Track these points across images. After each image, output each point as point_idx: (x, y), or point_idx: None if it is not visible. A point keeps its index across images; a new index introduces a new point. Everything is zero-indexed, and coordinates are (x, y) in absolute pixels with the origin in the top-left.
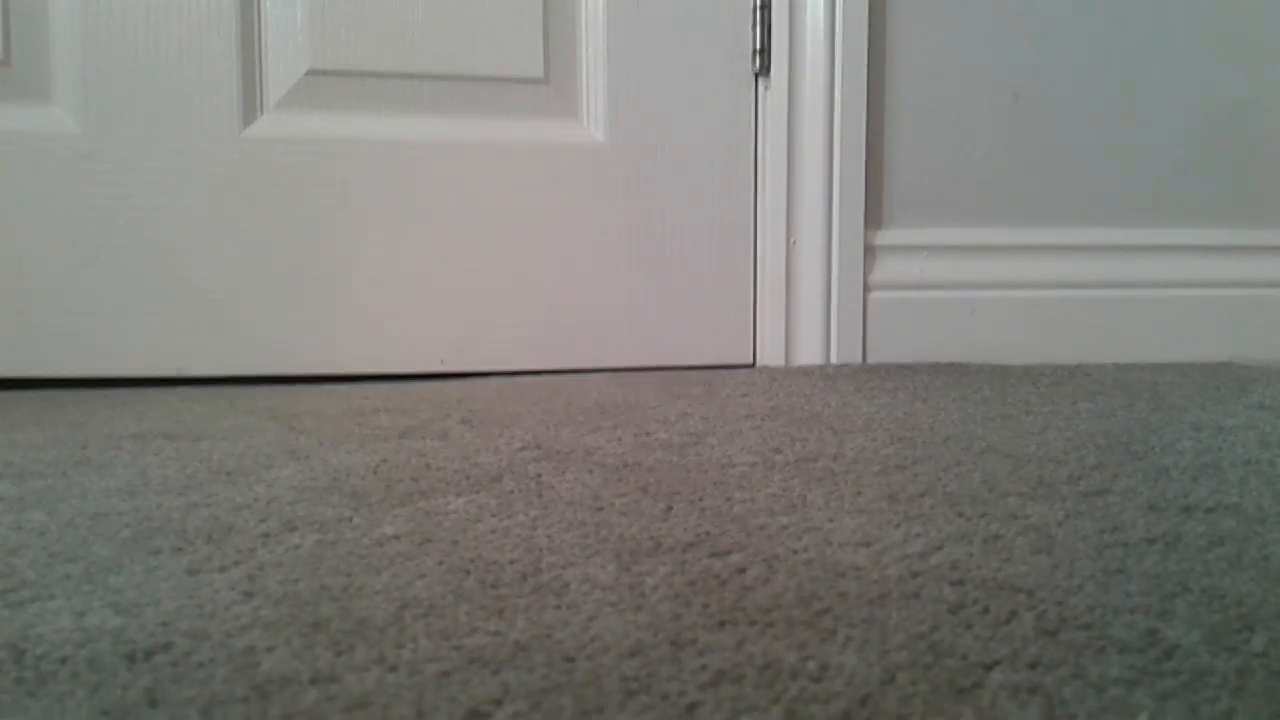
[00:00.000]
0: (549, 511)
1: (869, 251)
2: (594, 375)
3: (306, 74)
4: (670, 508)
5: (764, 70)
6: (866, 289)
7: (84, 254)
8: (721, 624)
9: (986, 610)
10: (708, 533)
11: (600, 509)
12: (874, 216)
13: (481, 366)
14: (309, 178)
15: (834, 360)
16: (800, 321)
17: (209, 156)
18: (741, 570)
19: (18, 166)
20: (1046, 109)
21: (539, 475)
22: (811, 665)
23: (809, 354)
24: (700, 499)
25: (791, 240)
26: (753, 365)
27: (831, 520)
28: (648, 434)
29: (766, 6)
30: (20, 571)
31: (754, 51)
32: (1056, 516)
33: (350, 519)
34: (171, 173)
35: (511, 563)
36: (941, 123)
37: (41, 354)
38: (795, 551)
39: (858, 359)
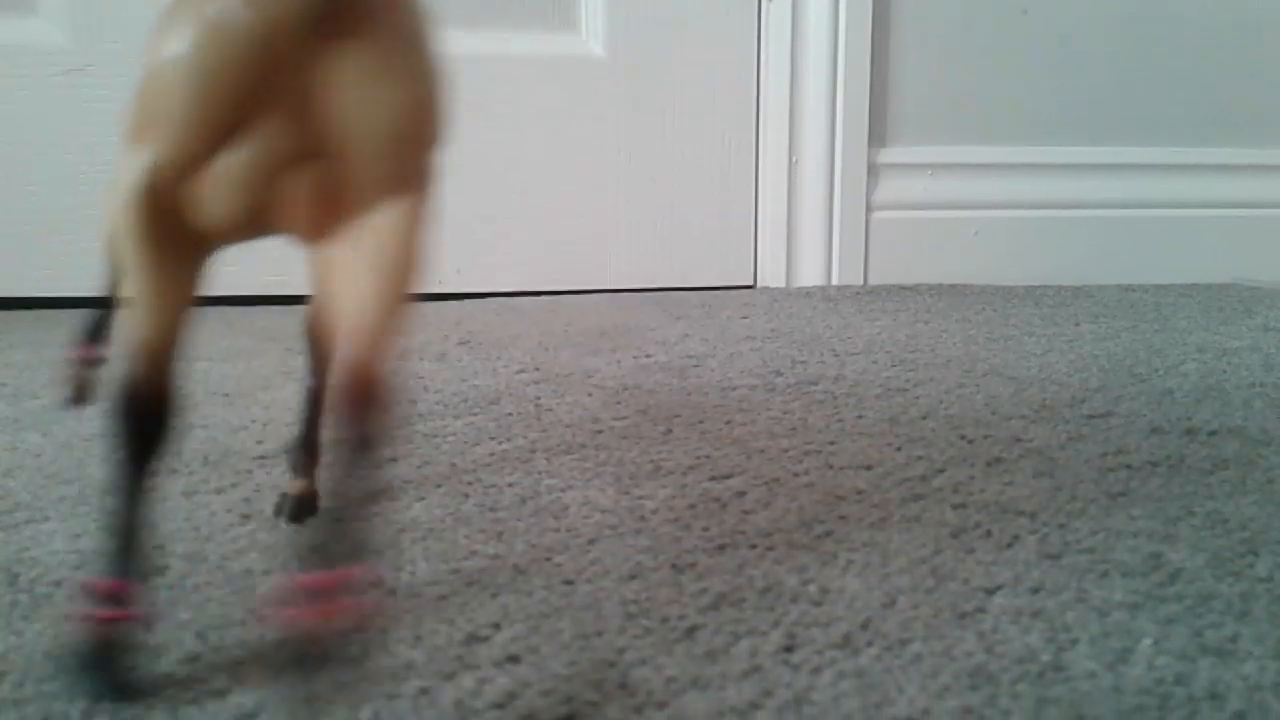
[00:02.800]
0: (548, 434)
1: (872, 170)
2: (593, 296)
3: None
4: (670, 430)
5: None
6: (869, 209)
7: (77, 170)
8: (722, 547)
9: (989, 534)
10: (708, 456)
11: (599, 432)
12: (877, 134)
13: (480, 287)
14: None
15: (835, 281)
16: (802, 242)
17: None
18: (741, 494)
19: (4, 82)
20: (1055, 24)
21: (537, 398)
22: (812, 589)
23: (810, 275)
24: (700, 422)
25: (794, 159)
26: (753, 286)
27: (833, 443)
28: (647, 356)
29: None
30: (15, 494)
31: None
32: (1059, 439)
33: None
34: None
35: (510, 486)
36: (948, 37)
37: (37, 273)
38: (796, 475)
39: (859, 280)
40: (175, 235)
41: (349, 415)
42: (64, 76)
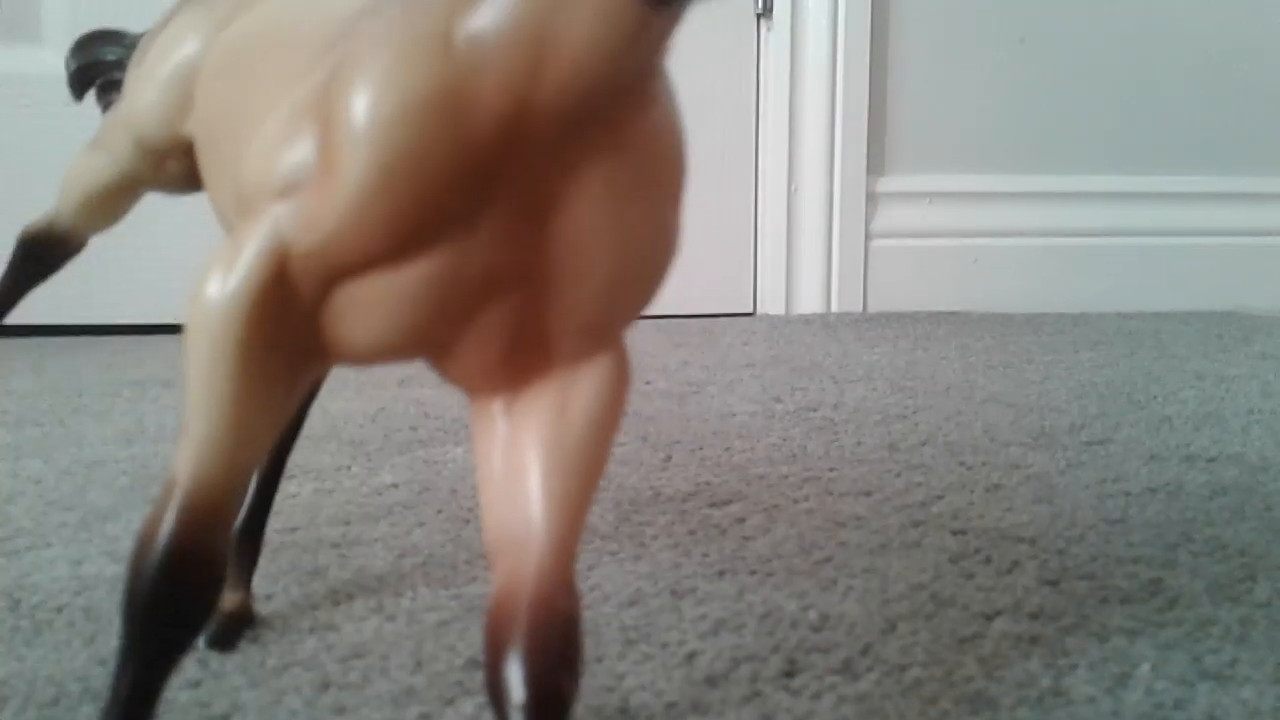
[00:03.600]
0: None
1: (871, 198)
2: None
3: None
4: (670, 457)
5: (766, 11)
6: (868, 237)
7: None
8: (721, 573)
9: (988, 560)
10: (707, 482)
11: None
12: (876, 163)
13: None
14: None
15: (835, 308)
16: (801, 269)
17: None
18: (741, 520)
19: (6, 107)
20: (1052, 53)
21: None
22: (812, 615)
23: (810, 302)
24: (700, 448)
25: (793, 187)
26: (753, 313)
27: (832, 470)
28: (648, 383)
29: None
30: (16, 520)
31: None
32: (1058, 466)
33: (348, 467)
34: None
35: None
36: (946, 66)
37: (39, 301)
38: (795, 501)
39: (859, 307)
40: (290, 349)
41: (533, 677)
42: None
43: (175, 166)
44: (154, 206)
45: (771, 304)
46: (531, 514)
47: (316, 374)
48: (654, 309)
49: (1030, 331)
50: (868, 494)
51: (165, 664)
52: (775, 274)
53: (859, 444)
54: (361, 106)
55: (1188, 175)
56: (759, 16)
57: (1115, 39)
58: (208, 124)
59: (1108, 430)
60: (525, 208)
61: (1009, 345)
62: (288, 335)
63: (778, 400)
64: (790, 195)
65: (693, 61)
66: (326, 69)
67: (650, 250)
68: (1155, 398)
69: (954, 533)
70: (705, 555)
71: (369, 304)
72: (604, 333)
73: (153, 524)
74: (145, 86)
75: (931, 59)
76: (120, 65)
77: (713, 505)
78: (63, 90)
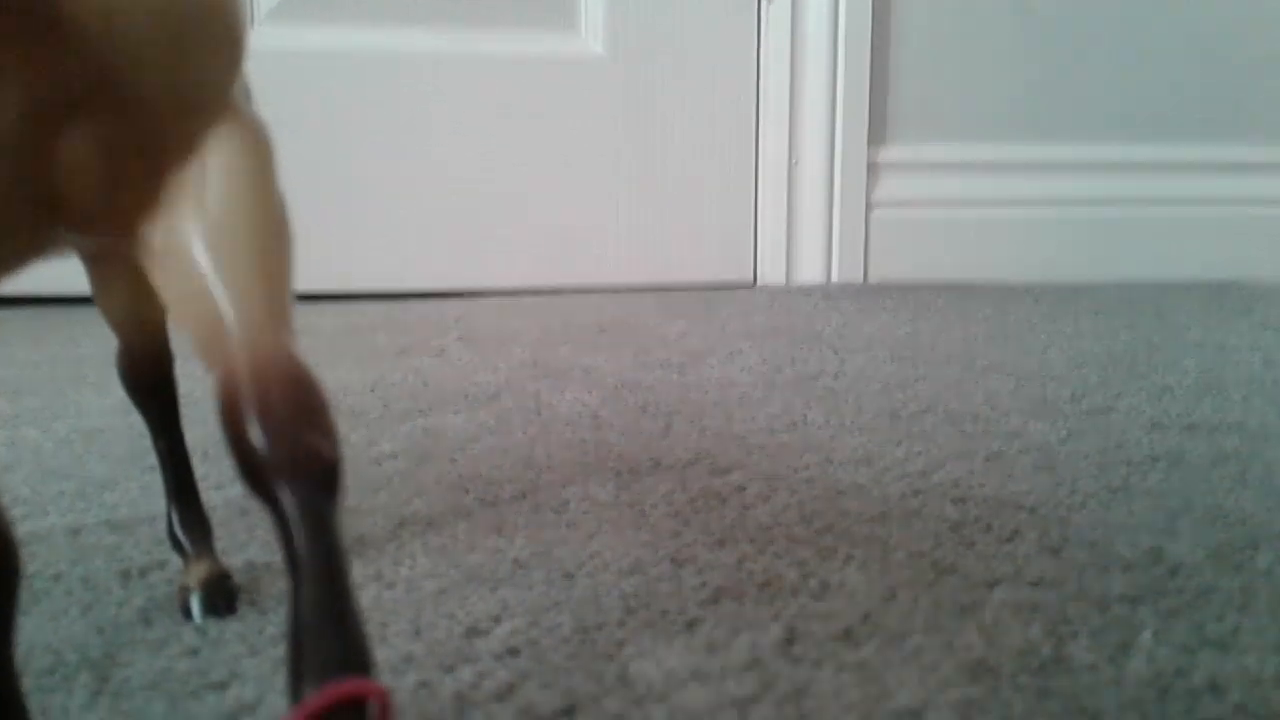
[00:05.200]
0: (548, 430)
1: (872, 169)
2: (593, 294)
3: None
4: (669, 426)
5: None
6: (869, 207)
7: None
8: (721, 542)
9: (989, 528)
10: (708, 451)
11: (599, 428)
12: (877, 132)
13: (481, 284)
14: (302, 92)
15: (835, 279)
16: (801, 240)
17: None
18: (741, 488)
19: None
20: (1053, 21)
21: (537, 393)
22: (813, 583)
23: (810, 272)
24: (700, 418)
25: (794, 158)
26: (753, 284)
27: (832, 439)
28: (647, 353)
29: None
30: (14, 489)
31: None
32: (1059, 435)
33: (348, 437)
34: None
35: (510, 481)
36: (947, 35)
37: (37, 271)
38: (796, 470)
39: (859, 278)
40: None
41: (274, 434)
42: None
43: None
44: None
45: (771, 275)
46: (217, 295)
47: None
48: (653, 278)
49: (1031, 301)
50: (868, 462)
51: None
52: (775, 245)
53: (859, 412)
54: None
55: (1190, 145)
56: None
57: (1117, 6)
58: None
59: (1109, 399)
60: (37, 21)
61: (1009, 315)
62: None
63: (778, 370)
64: (791, 166)
65: (694, 33)
66: None
67: (192, 13)
68: (1156, 367)
69: (954, 500)
70: (705, 524)
71: None
72: (200, 114)
73: None
74: None
75: (932, 28)
76: None
77: (713, 474)
78: None
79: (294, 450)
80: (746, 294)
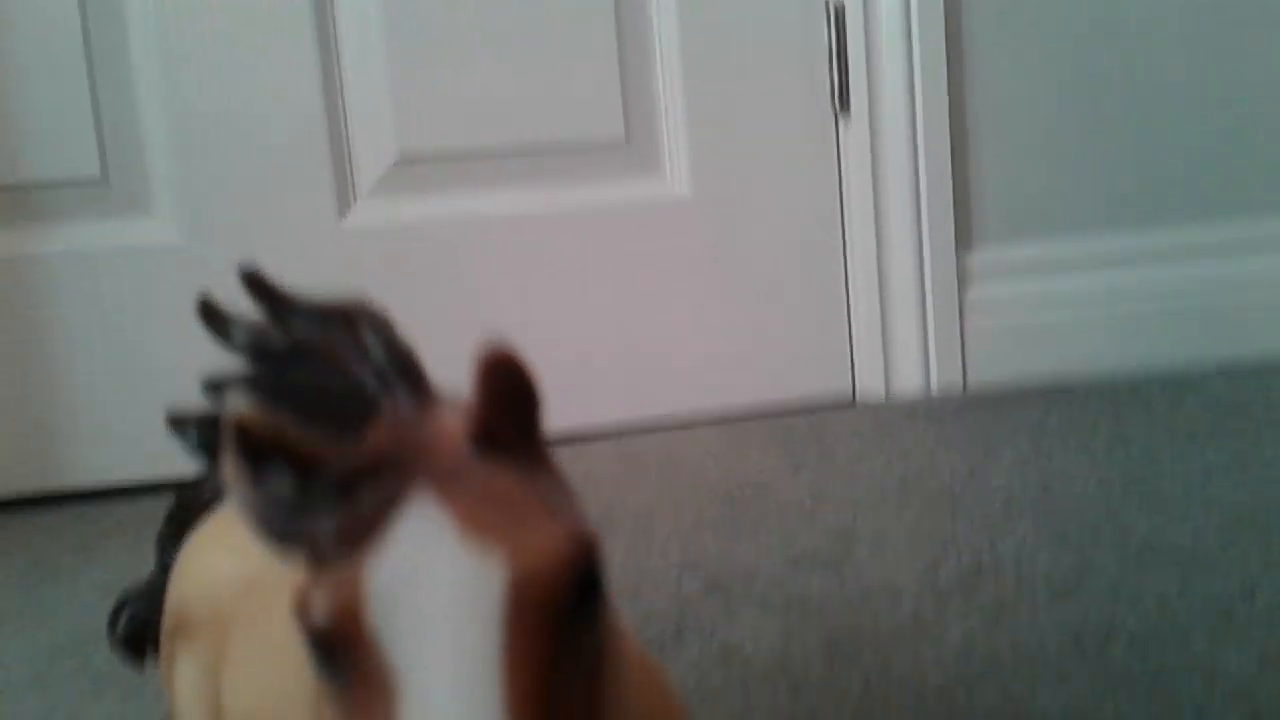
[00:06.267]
0: (750, 697)
1: (962, 273)
2: (702, 430)
3: (395, 162)
4: (868, 681)
5: (844, 107)
6: (962, 313)
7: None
8: None
9: None
10: None
11: (798, 687)
12: (964, 237)
13: (586, 426)
14: (404, 261)
15: (934, 388)
16: (897, 352)
17: (309, 251)
18: None
19: (119, 279)
20: (1129, 105)
21: (714, 627)
22: None
23: (908, 384)
24: (890, 661)
25: (882, 269)
26: (853, 401)
27: (1033, 693)
28: (792, 540)
29: (843, 44)
30: None
31: (832, 89)
32: (1251, 665)
33: None
34: (274, 269)
35: None
36: (1027, 131)
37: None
38: None
39: (958, 384)
40: None
41: None
42: (180, 272)
43: None
44: None
45: (870, 389)
46: None
47: None
48: (756, 402)
49: (1142, 411)
50: None
51: None
52: (872, 359)
53: (1041, 641)
54: None
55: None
56: (836, 113)
57: (1189, 86)
58: None
59: (1278, 593)
60: None
61: (1130, 443)
62: None
63: (936, 567)
64: (881, 279)
65: (775, 161)
66: None
67: None
68: None
69: None
70: None
71: None
72: None
73: None
74: None
75: (1011, 127)
76: (152, 607)
77: None
78: (171, 260)
79: None
80: (851, 419)
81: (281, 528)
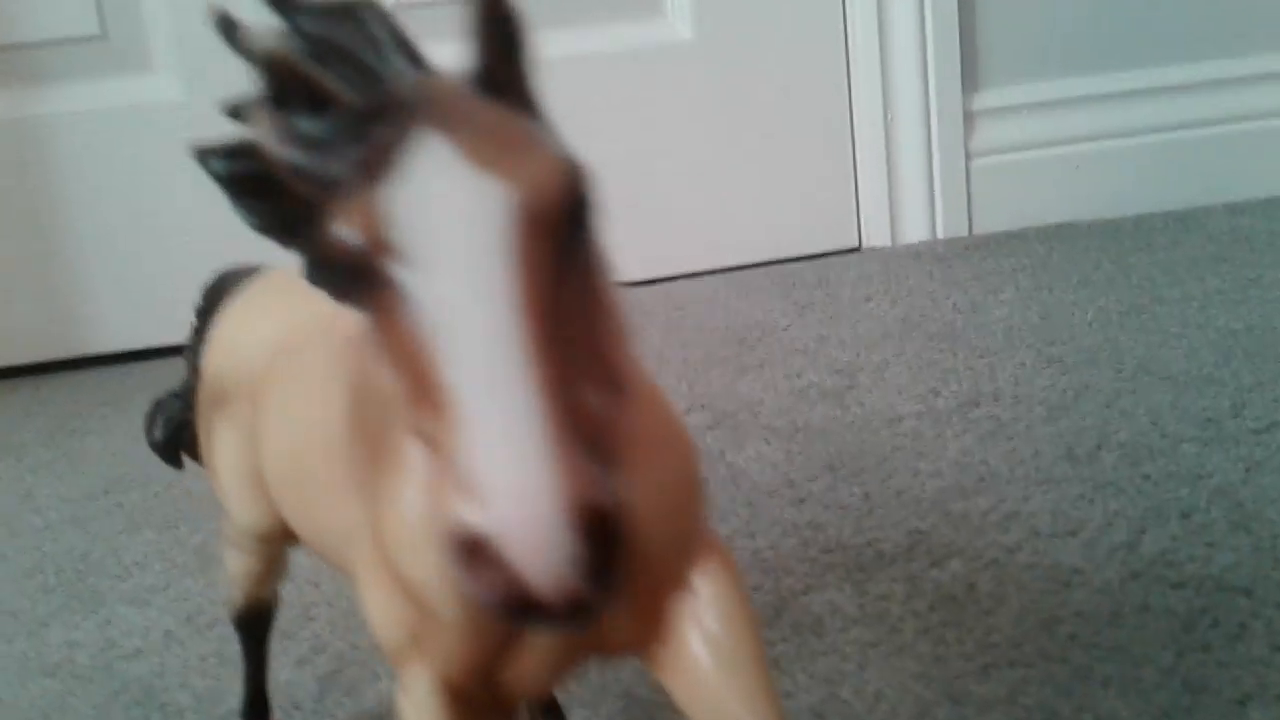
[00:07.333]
0: (756, 510)
1: (968, 117)
2: (706, 280)
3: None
4: (867, 495)
5: None
6: (968, 156)
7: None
8: (985, 668)
9: (1216, 623)
10: (919, 531)
11: (802, 500)
12: (970, 79)
13: None
14: None
15: (940, 234)
16: (903, 198)
17: None
18: (971, 585)
19: (123, 137)
20: None
21: (722, 451)
22: (1088, 717)
23: (914, 230)
24: (889, 476)
25: (889, 115)
26: (859, 248)
27: (1025, 498)
28: (798, 375)
29: None
30: None
31: None
32: (1238, 471)
33: None
34: None
35: (755, 589)
36: None
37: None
38: (1010, 551)
39: (964, 230)
40: (491, 707)
41: None
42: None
43: (288, 530)
44: None
45: (877, 236)
46: (732, 706)
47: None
48: (761, 255)
49: (1143, 246)
50: (1073, 533)
51: None
52: (878, 205)
53: (1036, 454)
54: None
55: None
56: None
57: None
58: (294, 515)
59: (1269, 408)
60: None
61: (1130, 273)
62: (482, 707)
63: (935, 393)
64: (887, 124)
65: (778, 4)
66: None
67: (688, 496)
68: None
69: (1173, 586)
70: (959, 641)
71: (516, 673)
72: (691, 557)
73: None
74: (234, 505)
75: None
76: (186, 408)
77: (934, 564)
78: (174, 117)
79: None
80: (857, 264)
81: (304, 162)
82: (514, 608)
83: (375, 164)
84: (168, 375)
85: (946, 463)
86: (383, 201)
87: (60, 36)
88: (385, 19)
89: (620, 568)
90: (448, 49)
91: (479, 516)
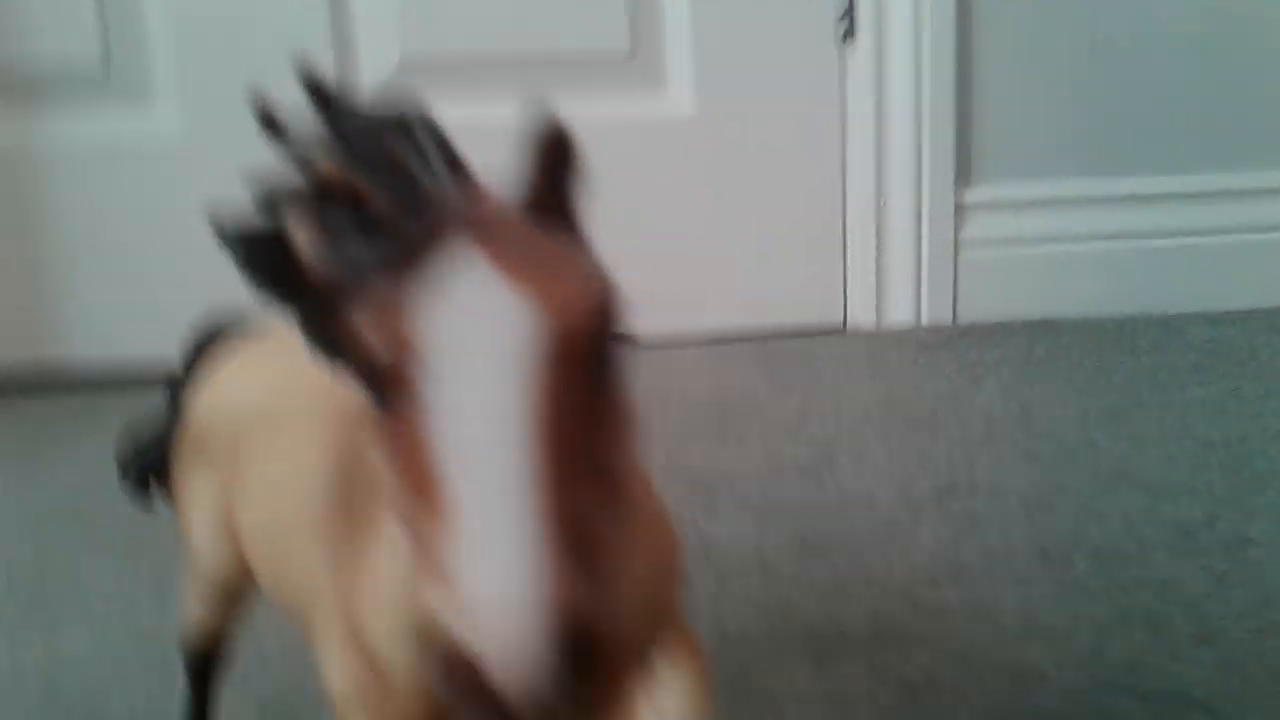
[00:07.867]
0: (725, 583)
1: (959, 209)
2: (692, 349)
3: (398, 66)
4: (837, 576)
5: (850, 33)
6: (957, 247)
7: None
8: None
9: None
10: (886, 616)
11: (769, 579)
12: (963, 173)
13: None
14: None
15: (924, 320)
16: (891, 281)
17: None
18: (934, 681)
19: (121, 167)
20: (1128, 56)
21: (696, 521)
22: None
23: (899, 313)
24: (862, 559)
25: (881, 200)
26: (843, 328)
27: (996, 596)
28: (778, 452)
29: None
30: None
31: (840, 15)
32: (1206, 583)
33: None
34: (271, 166)
35: (716, 660)
36: (1030, 74)
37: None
38: (973, 645)
39: (948, 317)
40: None
41: None
42: (179, 162)
43: (251, 583)
44: None
45: (861, 317)
46: None
47: None
48: (747, 324)
49: (1126, 350)
50: (1041, 635)
51: None
52: (865, 287)
53: (1009, 550)
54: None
55: (1268, 171)
56: (843, 38)
57: (1189, 37)
58: (262, 565)
59: (1242, 522)
60: None
61: (1112, 375)
62: None
63: (913, 479)
64: (879, 208)
65: (779, 84)
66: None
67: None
68: (1277, 461)
69: (1139, 698)
70: None
71: None
72: (660, 632)
73: None
74: (201, 553)
75: (1015, 69)
76: (163, 455)
77: (899, 654)
78: (173, 146)
79: None
80: (840, 345)
81: (336, 259)
82: (481, 710)
83: (408, 268)
84: (140, 399)
85: (919, 551)
86: (411, 305)
87: (63, 67)
88: (434, 130)
89: (598, 685)
90: (496, 163)
91: (459, 622)
